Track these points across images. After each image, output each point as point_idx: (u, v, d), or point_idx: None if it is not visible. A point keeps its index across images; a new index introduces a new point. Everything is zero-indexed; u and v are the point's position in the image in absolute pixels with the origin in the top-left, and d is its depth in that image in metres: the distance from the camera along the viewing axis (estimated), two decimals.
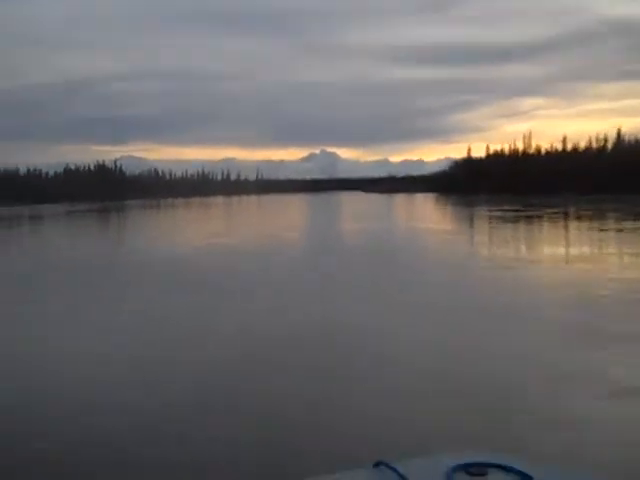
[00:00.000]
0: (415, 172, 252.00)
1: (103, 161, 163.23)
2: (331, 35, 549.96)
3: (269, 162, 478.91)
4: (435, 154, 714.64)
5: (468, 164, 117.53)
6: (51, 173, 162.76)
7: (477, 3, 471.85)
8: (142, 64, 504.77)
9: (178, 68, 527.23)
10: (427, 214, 57.27)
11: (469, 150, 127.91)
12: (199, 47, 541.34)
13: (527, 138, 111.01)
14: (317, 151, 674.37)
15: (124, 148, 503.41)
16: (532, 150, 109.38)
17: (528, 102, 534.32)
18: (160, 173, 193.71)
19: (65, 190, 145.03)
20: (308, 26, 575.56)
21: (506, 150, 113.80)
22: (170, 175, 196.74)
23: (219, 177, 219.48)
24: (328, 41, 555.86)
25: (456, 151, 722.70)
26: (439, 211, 62.68)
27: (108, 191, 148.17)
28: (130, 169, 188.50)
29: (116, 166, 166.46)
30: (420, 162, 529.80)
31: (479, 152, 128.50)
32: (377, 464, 1.64)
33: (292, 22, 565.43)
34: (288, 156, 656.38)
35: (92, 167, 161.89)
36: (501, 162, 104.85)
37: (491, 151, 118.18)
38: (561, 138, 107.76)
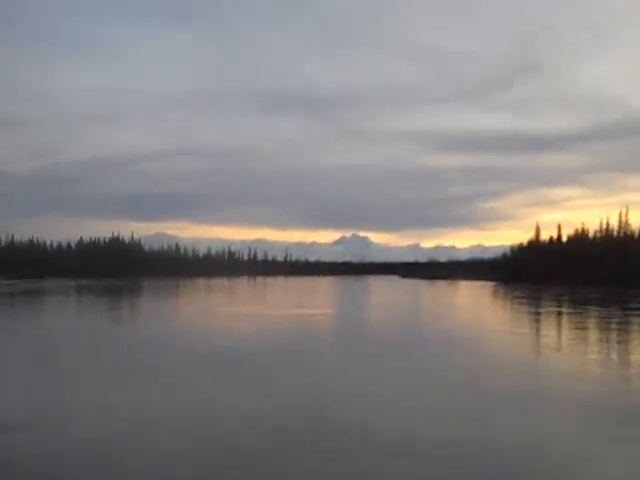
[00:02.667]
0: (448, 258, 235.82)
1: (119, 234, 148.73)
2: (365, 120, 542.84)
3: (300, 244, 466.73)
4: (467, 241, 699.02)
5: (538, 248, 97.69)
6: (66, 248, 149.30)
7: (511, 92, 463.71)
8: (178, 142, 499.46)
9: (214, 147, 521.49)
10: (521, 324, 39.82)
11: (537, 231, 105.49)
12: (233, 127, 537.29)
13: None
14: (349, 234, 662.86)
15: (156, 225, 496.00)
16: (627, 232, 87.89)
17: (561, 192, 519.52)
18: (182, 250, 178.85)
19: (78, 265, 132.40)
20: (343, 110, 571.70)
21: (592, 232, 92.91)
22: (192, 253, 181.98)
23: (245, 257, 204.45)
24: (362, 126, 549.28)
25: (487, 239, 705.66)
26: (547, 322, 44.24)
27: (123, 267, 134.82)
28: (159, 246, 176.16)
29: (134, 241, 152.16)
30: (452, 248, 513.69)
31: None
32: None
33: (328, 105, 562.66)
34: (320, 239, 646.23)
35: (105, 241, 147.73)
36: (586, 245, 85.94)
37: (566, 234, 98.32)
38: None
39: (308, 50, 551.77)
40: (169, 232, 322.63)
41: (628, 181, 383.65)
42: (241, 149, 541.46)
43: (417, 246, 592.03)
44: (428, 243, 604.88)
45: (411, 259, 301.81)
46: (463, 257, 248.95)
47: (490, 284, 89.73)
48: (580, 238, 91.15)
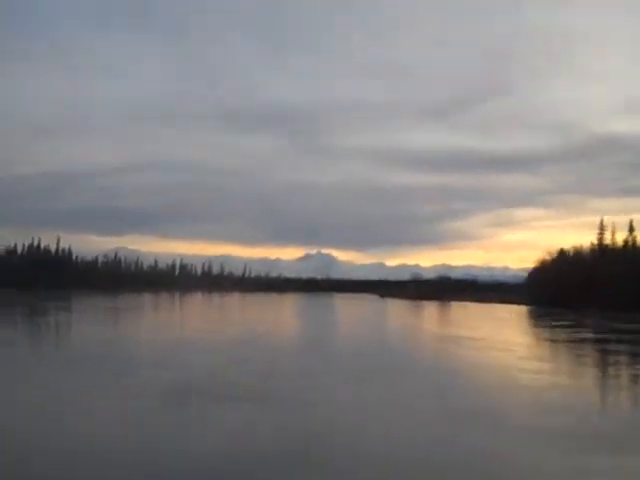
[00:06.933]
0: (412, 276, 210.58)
1: (39, 243, 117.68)
2: (331, 137, 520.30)
3: (264, 260, 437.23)
4: (430, 260, 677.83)
5: (606, 257, 67.53)
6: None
7: (477, 112, 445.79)
8: (145, 157, 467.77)
9: (181, 163, 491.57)
10: None
11: (602, 234, 71.97)
12: (200, 142, 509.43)
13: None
14: (313, 252, 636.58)
15: (119, 239, 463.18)
16: None
17: (524, 212, 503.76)
18: (123, 263, 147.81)
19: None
20: (310, 127, 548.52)
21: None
22: (136, 266, 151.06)
23: (199, 271, 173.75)
24: (328, 143, 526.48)
25: (452, 258, 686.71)
26: None
27: (46, 280, 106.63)
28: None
29: (59, 250, 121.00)
30: (416, 267, 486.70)
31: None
32: None
33: (295, 122, 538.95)
34: (285, 255, 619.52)
35: (24, 250, 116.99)
36: None
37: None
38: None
39: (275, 68, 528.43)
40: (131, 247, 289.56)
41: (591, 203, 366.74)
42: (208, 165, 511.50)
43: (382, 264, 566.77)
44: (392, 262, 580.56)
45: (376, 277, 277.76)
46: (428, 276, 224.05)
47: (514, 307, 62.94)
48: None
